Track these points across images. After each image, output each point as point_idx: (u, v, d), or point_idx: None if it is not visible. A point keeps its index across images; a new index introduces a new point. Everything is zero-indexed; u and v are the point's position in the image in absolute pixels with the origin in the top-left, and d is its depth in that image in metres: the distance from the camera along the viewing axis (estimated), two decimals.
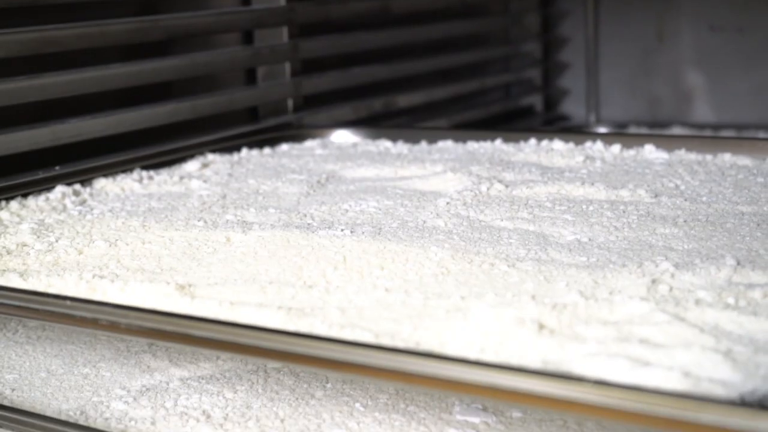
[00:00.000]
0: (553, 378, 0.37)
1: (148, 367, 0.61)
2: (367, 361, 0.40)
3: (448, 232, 0.60)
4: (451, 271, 0.54)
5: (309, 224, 0.63)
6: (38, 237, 0.62)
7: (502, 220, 0.63)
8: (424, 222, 0.63)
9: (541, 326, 0.45)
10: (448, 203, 0.67)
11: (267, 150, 0.90)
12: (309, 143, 0.93)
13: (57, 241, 0.61)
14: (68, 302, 0.47)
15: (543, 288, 0.50)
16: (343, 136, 0.95)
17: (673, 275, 0.51)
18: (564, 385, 0.36)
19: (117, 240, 0.61)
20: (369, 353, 0.40)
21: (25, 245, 0.61)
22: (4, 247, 0.60)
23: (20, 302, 0.50)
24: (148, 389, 0.58)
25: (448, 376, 0.38)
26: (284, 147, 0.92)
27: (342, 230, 0.60)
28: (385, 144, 0.92)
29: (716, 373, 0.40)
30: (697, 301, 0.47)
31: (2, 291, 0.51)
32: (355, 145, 0.93)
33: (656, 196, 0.68)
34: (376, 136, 0.95)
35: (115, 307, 0.47)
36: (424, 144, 0.91)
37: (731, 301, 0.47)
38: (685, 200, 0.67)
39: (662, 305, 0.47)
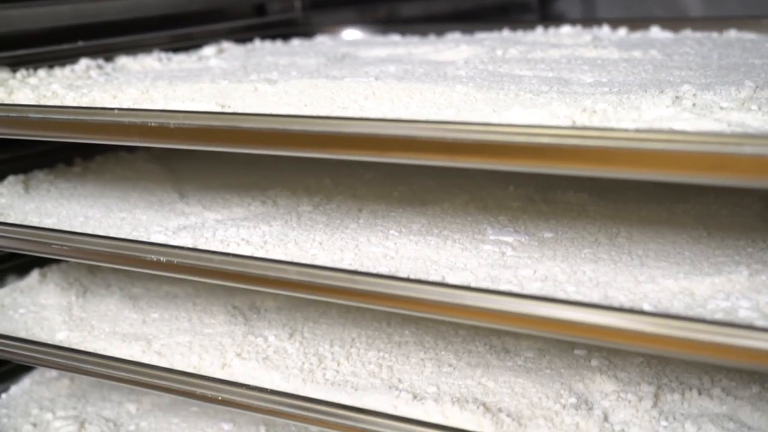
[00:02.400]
0: (598, 129, 0.38)
1: (183, 212, 0.63)
2: (415, 133, 0.41)
3: (470, 77, 0.62)
4: (478, 99, 0.55)
5: (334, 77, 0.64)
6: (70, 90, 0.63)
7: (521, 71, 0.65)
8: (446, 73, 0.64)
9: (574, 122, 0.47)
10: (466, 62, 0.69)
11: (279, 43, 0.91)
12: (320, 38, 0.95)
13: (90, 92, 0.62)
14: (116, 111, 0.49)
15: (572, 103, 0.52)
16: (352, 34, 0.97)
17: (695, 95, 0.53)
18: (607, 133, 0.38)
19: (148, 90, 0.62)
20: (417, 125, 0.41)
21: (58, 94, 0.62)
22: (40, 94, 0.61)
23: (68, 116, 0.51)
24: (185, 227, 0.59)
25: (496, 140, 0.40)
26: (295, 42, 0.93)
27: (367, 77, 0.62)
28: (395, 38, 0.93)
29: None
30: (722, 108, 0.49)
31: (49, 108, 0.52)
32: (364, 40, 0.94)
33: (669, 55, 0.70)
34: (384, 33, 0.96)
35: (163, 111, 0.48)
36: (432, 36, 0.93)
37: (754, 107, 0.49)
38: (697, 57, 0.69)
39: (688, 110, 0.49)
